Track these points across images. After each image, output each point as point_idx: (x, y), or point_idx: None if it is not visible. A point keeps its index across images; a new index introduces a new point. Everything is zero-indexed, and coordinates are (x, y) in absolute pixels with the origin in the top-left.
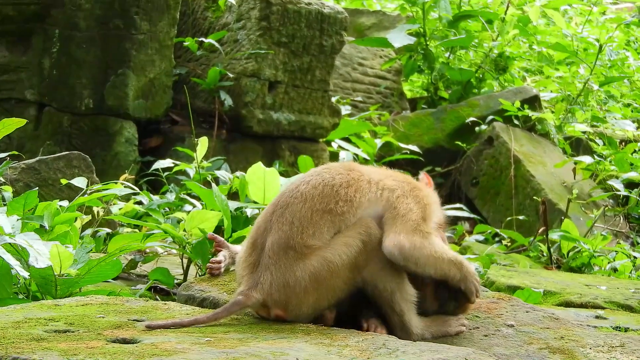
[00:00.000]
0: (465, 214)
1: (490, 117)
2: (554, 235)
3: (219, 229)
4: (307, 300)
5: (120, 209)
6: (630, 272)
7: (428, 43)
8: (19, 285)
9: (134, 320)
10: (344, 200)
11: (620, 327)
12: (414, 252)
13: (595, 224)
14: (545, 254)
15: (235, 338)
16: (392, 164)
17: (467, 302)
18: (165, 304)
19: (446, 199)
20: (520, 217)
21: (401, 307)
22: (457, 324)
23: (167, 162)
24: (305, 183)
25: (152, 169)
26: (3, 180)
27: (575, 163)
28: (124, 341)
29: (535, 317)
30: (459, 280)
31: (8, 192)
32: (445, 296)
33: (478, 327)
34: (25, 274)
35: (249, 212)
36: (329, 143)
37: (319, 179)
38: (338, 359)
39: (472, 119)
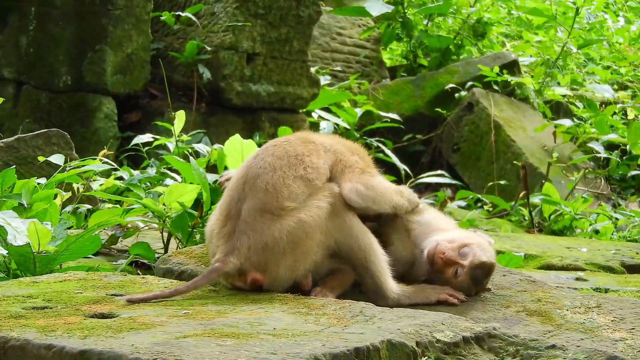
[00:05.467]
0: (447, 180)
1: (470, 84)
2: (535, 199)
3: (198, 202)
4: (285, 261)
5: (100, 185)
6: (612, 234)
7: (406, 11)
8: None
9: (112, 295)
10: (312, 168)
11: (600, 289)
12: (368, 191)
13: (576, 187)
14: (526, 218)
15: (213, 310)
16: (373, 133)
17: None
18: (143, 278)
19: (428, 166)
20: (502, 182)
21: (376, 267)
22: (438, 291)
23: (146, 137)
24: (270, 155)
25: (131, 144)
26: None
27: (555, 127)
28: (102, 316)
29: (512, 281)
30: (407, 209)
31: None
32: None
33: None
34: (4, 252)
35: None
36: (309, 113)
37: (282, 151)
38: (315, 327)
39: (451, 85)
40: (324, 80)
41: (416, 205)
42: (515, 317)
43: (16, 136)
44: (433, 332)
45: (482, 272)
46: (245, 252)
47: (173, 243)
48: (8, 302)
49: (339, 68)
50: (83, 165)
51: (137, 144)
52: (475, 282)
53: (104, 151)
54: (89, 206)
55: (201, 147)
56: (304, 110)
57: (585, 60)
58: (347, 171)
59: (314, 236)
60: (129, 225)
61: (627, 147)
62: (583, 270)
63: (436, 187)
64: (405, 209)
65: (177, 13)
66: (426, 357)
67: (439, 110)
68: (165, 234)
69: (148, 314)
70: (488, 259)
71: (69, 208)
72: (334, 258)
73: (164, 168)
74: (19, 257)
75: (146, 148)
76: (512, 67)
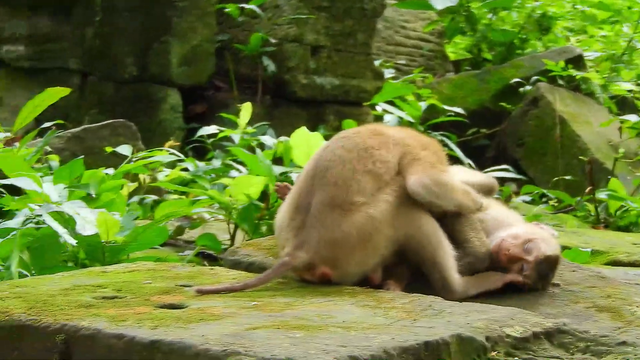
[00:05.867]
0: (512, 174)
1: (535, 78)
2: (601, 195)
3: (264, 194)
4: (355, 257)
5: (166, 175)
6: None
7: (470, 4)
8: (67, 253)
9: (181, 285)
10: (381, 162)
11: None
12: (434, 186)
13: None
14: (592, 214)
15: (282, 302)
16: (437, 126)
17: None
18: (212, 269)
19: (492, 161)
20: (567, 177)
21: (444, 262)
22: (502, 275)
23: (211, 129)
24: (340, 147)
25: (196, 135)
26: (50, 149)
27: (621, 122)
28: (172, 306)
29: (581, 276)
30: (471, 210)
31: (55, 161)
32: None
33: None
34: (73, 242)
35: (294, 176)
36: (373, 107)
37: (352, 143)
38: (385, 321)
39: (516, 79)
40: (388, 73)
41: (480, 207)
42: (584, 313)
43: (83, 126)
44: (503, 327)
45: (547, 266)
46: (315, 246)
47: (239, 235)
48: (78, 291)
49: (402, 61)
50: (150, 156)
51: (202, 136)
52: (541, 276)
53: (171, 142)
54: (155, 197)
55: (267, 140)
56: (368, 103)
57: None
58: (414, 164)
59: (383, 231)
60: (195, 217)
61: None
62: None
63: (501, 181)
64: (469, 209)
65: (241, 5)
66: (496, 352)
67: (504, 104)
68: (232, 226)
69: (217, 305)
70: (553, 252)
71: (135, 199)
72: (398, 252)
73: (228, 160)
74: (88, 247)
75: (211, 140)
76: (577, 61)
